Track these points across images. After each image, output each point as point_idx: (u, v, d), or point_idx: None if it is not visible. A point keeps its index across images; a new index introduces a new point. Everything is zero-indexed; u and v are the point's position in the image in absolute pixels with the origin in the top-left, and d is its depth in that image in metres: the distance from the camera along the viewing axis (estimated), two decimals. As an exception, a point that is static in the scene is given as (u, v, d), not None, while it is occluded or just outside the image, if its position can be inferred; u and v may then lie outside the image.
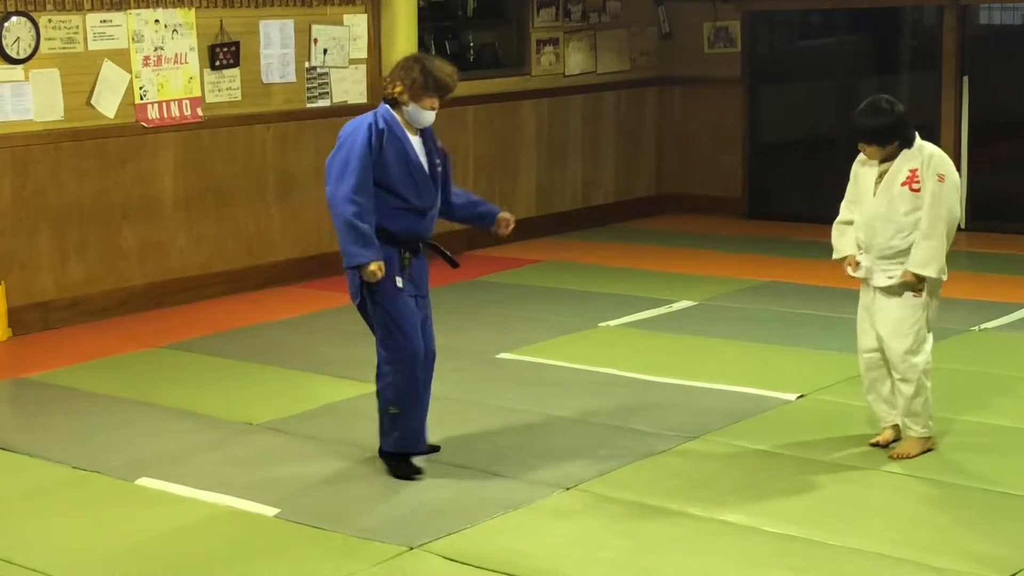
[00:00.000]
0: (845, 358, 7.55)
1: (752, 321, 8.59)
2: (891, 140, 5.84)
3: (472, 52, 11.60)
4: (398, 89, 5.68)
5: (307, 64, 10.03)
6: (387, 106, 5.74)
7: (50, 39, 8.62)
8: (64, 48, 8.70)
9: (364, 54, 10.36)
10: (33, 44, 8.54)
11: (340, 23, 10.20)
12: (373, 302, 5.71)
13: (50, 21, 8.62)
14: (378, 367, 5.80)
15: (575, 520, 5.37)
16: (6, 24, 8.43)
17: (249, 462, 6.15)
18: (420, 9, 10.50)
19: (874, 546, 5.04)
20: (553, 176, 11.95)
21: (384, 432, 5.84)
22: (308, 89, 10.07)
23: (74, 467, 6.12)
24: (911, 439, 5.99)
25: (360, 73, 10.36)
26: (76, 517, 5.56)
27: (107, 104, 8.95)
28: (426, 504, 5.55)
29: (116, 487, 5.87)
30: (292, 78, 9.96)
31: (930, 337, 6.03)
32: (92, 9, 8.80)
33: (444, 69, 5.74)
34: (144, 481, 5.91)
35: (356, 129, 5.68)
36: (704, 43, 12.70)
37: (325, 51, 10.12)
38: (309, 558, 5.07)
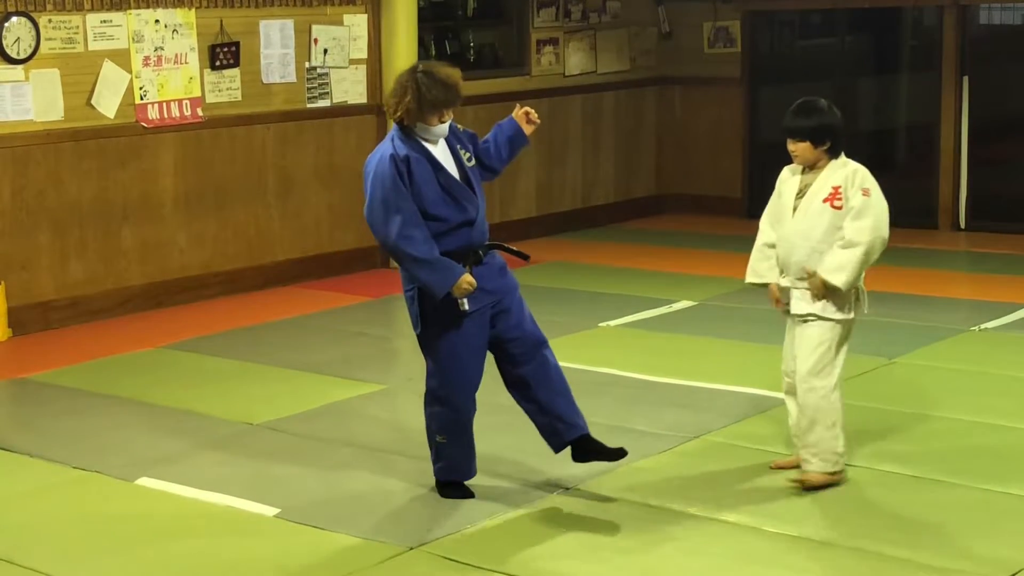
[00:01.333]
0: (845, 358, 7.54)
1: (752, 321, 8.58)
2: (824, 140, 5.49)
3: (472, 52, 11.60)
4: (398, 115, 5.35)
5: (307, 64, 10.04)
6: (398, 127, 5.41)
7: (50, 39, 8.62)
8: (64, 48, 8.70)
9: (364, 54, 10.37)
10: (33, 44, 8.54)
11: (340, 23, 10.20)
12: (432, 332, 5.45)
13: (50, 21, 8.62)
14: (426, 394, 5.58)
15: (575, 520, 5.37)
16: (6, 24, 8.43)
17: (249, 462, 6.15)
18: (420, 9, 10.50)
19: (874, 546, 5.04)
20: (553, 176, 11.94)
21: (433, 459, 5.65)
22: (308, 89, 10.08)
23: (74, 467, 6.12)
24: (811, 471, 5.62)
25: (360, 73, 10.36)
26: (76, 517, 5.56)
27: (107, 104, 8.95)
28: (426, 504, 5.55)
29: (116, 487, 5.87)
30: (292, 78, 9.97)
31: (838, 372, 5.59)
32: (92, 9, 8.80)
33: (440, 81, 5.31)
34: (144, 481, 5.91)
35: (379, 165, 5.32)
36: (704, 43, 12.70)
37: (325, 51, 10.12)
38: (309, 558, 5.07)
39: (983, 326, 8.31)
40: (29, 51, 8.53)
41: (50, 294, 8.77)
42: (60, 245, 8.81)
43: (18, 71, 8.52)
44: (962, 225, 11.72)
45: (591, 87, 12.21)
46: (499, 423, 6.52)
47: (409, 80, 5.34)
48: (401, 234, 5.25)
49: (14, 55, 8.47)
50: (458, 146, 5.55)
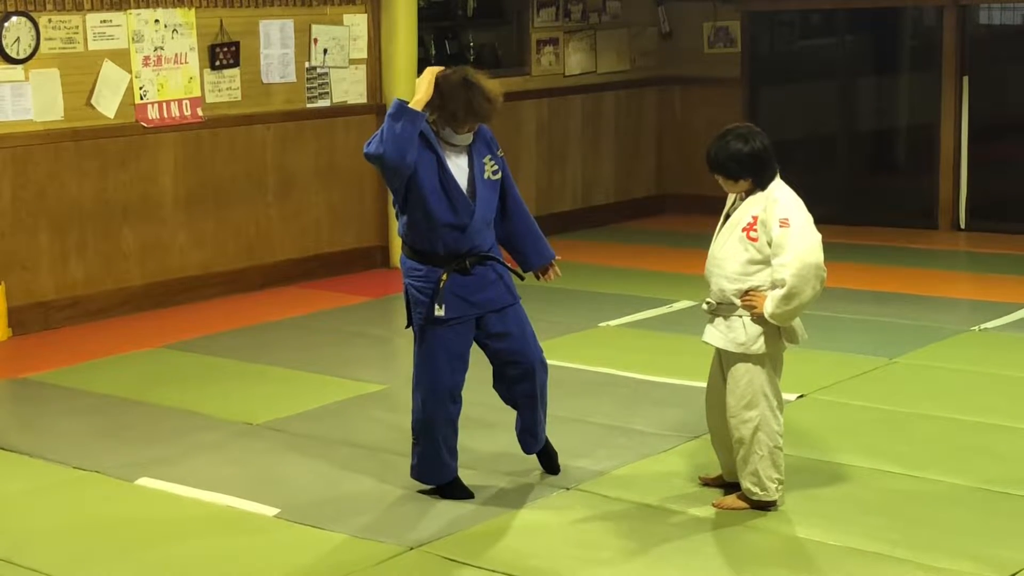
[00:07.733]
0: (845, 358, 7.56)
1: (752, 321, 8.58)
2: (740, 175, 5.28)
3: (472, 52, 11.60)
4: (432, 117, 5.39)
5: (307, 64, 10.04)
6: (423, 116, 5.42)
7: (50, 39, 8.62)
8: (64, 48, 8.70)
9: (364, 54, 10.36)
10: (33, 44, 8.54)
11: (340, 23, 10.20)
12: (414, 332, 5.51)
13: (50, 21, 8.62)
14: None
15: (575, 520, 5.37)
16: (6, 24, 8.43)
17: (249, 462, 6.15)
18: (420, 9, 10.49)
19: (874, 546, 5.04)
20: (553, 176, 11.94)
21: (411, 457, 5.68)
22: (308, 89, 10.08)
23: (74, 467, 6.12)
24: (743, 496, 5.42)
25: (360, 73, 10.36)
26: (76, 517, 5.56)
27: (107, 104, 8.95)
28: (426, 504, 5.55)
29: (116, 487, 5.87)
30: (292, 78, 9.97)
31: (770, 398, 5.32)
32: (92, 9, 8.80)
33: (488, 97, 5.39)
34: (144, 481, 5.91)
35: None
36: (704, 43, 12.70)
37: (325, 51, 10.12)
38: (309, 558, 5.07)
39: (983, 326, 8.31)
40: (29, 51, 8.53)
41: (50, 294, 8.77)
42: (60, 245, 8.81)
43: (18, 71, 8.52)
44: (962, 225, 11.71)
45: (591, 87, 12.21)
46: (499, 423, 6.52)
47: (462, 88, 5.38)
48: (374, 138, 5.32)
49: (14, 55, 8.47)
50: (487, 156, 5.55)
